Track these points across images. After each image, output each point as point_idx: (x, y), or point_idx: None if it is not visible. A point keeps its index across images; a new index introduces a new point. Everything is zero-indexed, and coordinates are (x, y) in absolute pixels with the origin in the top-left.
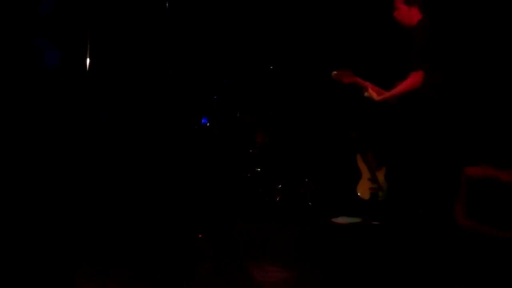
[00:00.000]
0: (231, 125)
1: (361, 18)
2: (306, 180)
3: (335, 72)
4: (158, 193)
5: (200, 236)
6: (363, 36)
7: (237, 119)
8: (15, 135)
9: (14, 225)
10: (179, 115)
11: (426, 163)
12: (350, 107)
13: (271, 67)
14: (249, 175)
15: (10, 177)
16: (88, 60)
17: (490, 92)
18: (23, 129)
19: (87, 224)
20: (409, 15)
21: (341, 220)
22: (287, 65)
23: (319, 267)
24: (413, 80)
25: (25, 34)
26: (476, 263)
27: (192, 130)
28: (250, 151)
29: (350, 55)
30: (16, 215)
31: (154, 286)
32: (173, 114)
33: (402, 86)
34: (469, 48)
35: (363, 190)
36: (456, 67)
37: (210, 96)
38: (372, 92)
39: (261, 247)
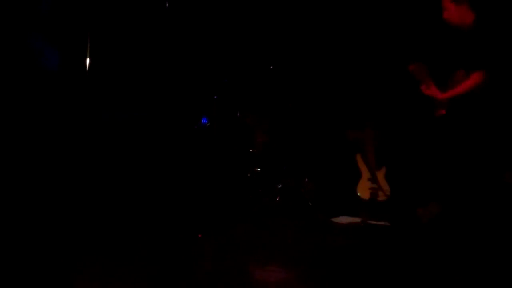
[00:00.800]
0: (231, 125)
1: (361, 18)
2: (306, 180)
3: (413, 65)
4: (158, 193)
5: (200, 236)
6: (363, 36)
7: (237, 119)
8: (14, 135)
9: (14, 225)
10: (179, 115)
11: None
12: (350, 108)
13: (271, 67)
14: (249, 175)
15: (10, 177)
16: (88, 60)
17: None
18: (22, 129)
19: (86, 224)
20: (460, 14)
21: (341, 220)
22: (287, 65)
23: (319, 267)
24: (477, 79)
25: (23, 34)
26: (476, 263)
27: (192, 130)
28: (250, 151)
29: (351, 55)
30: (16, 215)
31: (154, 286)
32: (173, 114)
33: (466, 85)
34: None
35: (363, 190)
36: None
37: (210, 96)
38: (436, 90)
39: (261, 247)
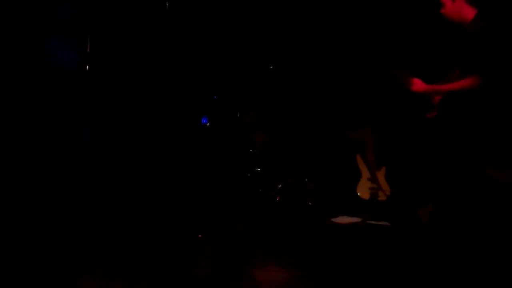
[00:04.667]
0: (231, 125)
1: (361, 18)
2: (306, 180)
3: (395, 72)
4: (158, 193)
5: (200, 236)
6: (363, 37)
7: (237, 119)
8: (19, 134)
9: (15, 226)
10: (179, 115)
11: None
12: (350, 107)
13: (271, 67)
14: (249, 175)
15: (10, 178)
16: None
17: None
18: (29, 128)
19: (87, 225)
20: (457, 10)
21: (341, 220)
22: (287, 65)
23: (319, 267)
24: (470, 82)
25: (36, 34)
26: (476, 263)
27: (192, 130)
28: (250, 151)
29: (350, 56)
30: (18, 215)
31: (154, 286)
32: (173, 114)
33: (456, 85)
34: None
35: (363, 190)
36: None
37: (210, 96)
38: (421, 84)
39: (261, 247)
